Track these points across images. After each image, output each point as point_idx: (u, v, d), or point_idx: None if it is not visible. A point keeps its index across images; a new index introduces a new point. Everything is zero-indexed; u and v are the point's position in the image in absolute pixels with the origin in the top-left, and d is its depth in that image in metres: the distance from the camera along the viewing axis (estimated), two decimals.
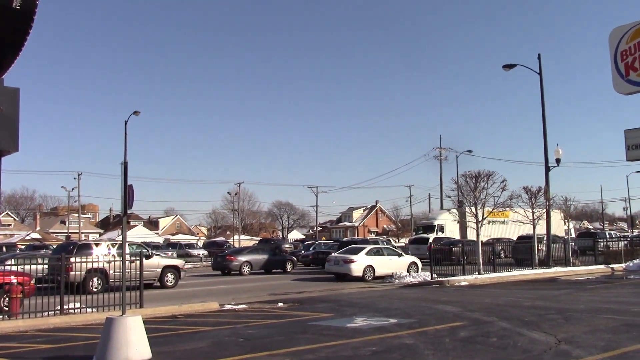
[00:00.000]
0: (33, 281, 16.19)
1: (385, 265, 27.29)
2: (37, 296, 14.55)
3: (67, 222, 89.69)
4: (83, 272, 19.87)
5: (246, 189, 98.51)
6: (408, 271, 26.91)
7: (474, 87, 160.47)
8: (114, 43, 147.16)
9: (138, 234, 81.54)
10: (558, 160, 30.07)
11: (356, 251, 27.88)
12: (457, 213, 39.04)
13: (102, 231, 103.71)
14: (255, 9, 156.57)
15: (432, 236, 45.40)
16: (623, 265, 30.13)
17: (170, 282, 24.44)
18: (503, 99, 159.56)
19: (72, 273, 18.30)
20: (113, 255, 21.75)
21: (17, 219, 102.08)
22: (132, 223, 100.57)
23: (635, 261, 30.43)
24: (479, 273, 24.95)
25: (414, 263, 28.36)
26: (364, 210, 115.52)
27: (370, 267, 26.85)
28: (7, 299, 14.77)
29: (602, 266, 30.29)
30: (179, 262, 25.87)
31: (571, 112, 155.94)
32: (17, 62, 3.91)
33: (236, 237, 79.87)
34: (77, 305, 14.96)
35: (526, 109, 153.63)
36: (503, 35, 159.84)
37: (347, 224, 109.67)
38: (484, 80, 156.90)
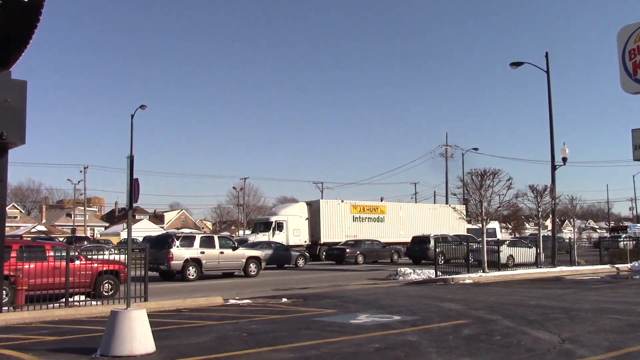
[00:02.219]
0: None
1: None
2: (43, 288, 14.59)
3: (72, 215, 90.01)
4: (181, 262, 24.78)
5: (251, 184, 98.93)
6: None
7: (481, 85, 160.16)
8: (122, 36, 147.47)
9: (143, 227, 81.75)
10: (564, 159, 29.98)
11: None
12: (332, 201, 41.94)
13: (107, 224, 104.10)
14: (263, 5, 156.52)
15: (266, 236, 38.90)
16: (628, 265, 30.03)
17: (253, 272, 27.19)
18: (510, 97, 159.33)
19: (173, 262, 24.62)
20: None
21: (23, 212, 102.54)
22: (137, 217, 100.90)
23: None
24: (484, 271, 24.91)
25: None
26: None
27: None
28: (108, 285, 17.50)
29: (607, 266, 30.21)
30: (260, 253, 28.56)
31: (578, 110, 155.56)
32: (25, 55, 3.92)
33: (241, 232, 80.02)
34: (82, 297, 15.02)
35: (533, 107, 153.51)
36: (510, 33, 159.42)
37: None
38: (490, 78, 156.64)
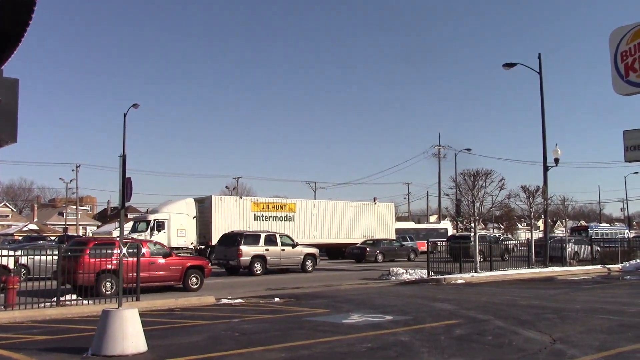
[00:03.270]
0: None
1: None
2: (34, 287, 14.55)
3: (64, 214, 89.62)
4: (249, 258, 27.30)
5: (244, 183, 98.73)
6: None
7: (474, 86, 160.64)
8: (114, 34, 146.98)
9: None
10: (557, 160, 30.10)
11: None
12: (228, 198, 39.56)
13: (99, 223, 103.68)
14: (256, 5, 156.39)
15: (142, 236, 33.26)
16: (619, 265, 30.19)
17: (310, 268, 29.52)
18: (502, 98, 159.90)
19: (242, 258, 27.24)
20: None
21: (15, 210, 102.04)
22: (129, 216, 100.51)
23: (632, 262, 30.50)
24: (476, 271, 24.98)
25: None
26: None
27: None
28: (195, 278, 19.93)
29: (598, 266, 30.36)
30: (315, 251, 30.92)
31: (570, 112, 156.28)
32: (17, 53, 3.90)
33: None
34: (74, 297, 14.97)
35: (525, 108, 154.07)
36: (503, 34, 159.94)
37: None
38: (483, 78, 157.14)
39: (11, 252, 18.04)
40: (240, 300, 16.64)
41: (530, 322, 12.08)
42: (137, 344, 9.04)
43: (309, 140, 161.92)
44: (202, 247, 37.59)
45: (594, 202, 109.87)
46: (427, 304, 15.48)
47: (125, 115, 42.92)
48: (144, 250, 18.44)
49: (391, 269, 26.19)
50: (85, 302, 14.83)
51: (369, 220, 44.27)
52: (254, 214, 39.33)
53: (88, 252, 16.98)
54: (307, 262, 29.66)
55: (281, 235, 30.37)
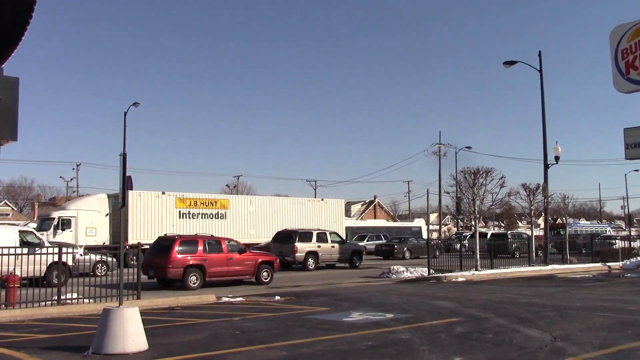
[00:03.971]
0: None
1: None
2: (35, 286, 14.57)
3: None
4: (303, 254, 29.28)
5: (245, 182, 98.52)
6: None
7: (474, 84, 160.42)
8: (114, 34, 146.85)
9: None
10: (557, 158, 30.11)
11: None
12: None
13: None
14: (256, 4, 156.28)
15: (45, 235, 28.62)
16: (620, 263, 30.20)
17: (357, 263, 31.43)
18: (503, 96, 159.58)
19: (297, 254, 29.09)
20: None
21: (15, 209, 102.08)
22: None
23: (632, 260, 30.51)
24: (477, 269, 25.00)
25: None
26: (362, 205, 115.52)
27: None
28: (266, 272, 22.01)
29: (599, 264, 30.37)
30: (361, 247, 33.92)
31: (571, 109, 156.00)
32: (17, 51, 3.91)
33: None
34: (75, 295, 14.98)
35: (526, 106, 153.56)
36: (504, 32, 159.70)
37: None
38: (484, 76, 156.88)
39: (70, 250, 19.38)
40: (241, 299, 16.66)
41: (531, 319, 12.09)
42: (137, 342, 9.05)
43: (310, 138, 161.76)
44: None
45: (594, 200, 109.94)
46: (428, 302, 15.49)
47: (125, 113, 42.94)
48: (223, 246, 21.22)
49: (392, 267, 26.21)
50: (86, 300, 14.84)
51: (315, 218, 41.44)
52: (179, 211, 36.19)
53: (176, 248, 19.76)
54: (354, 258, 31.63)
55: (331, 233, 32.32)
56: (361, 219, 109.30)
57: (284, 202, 41.43)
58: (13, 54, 3.89)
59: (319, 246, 30.43)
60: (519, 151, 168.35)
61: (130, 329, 9.01)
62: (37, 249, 19.74)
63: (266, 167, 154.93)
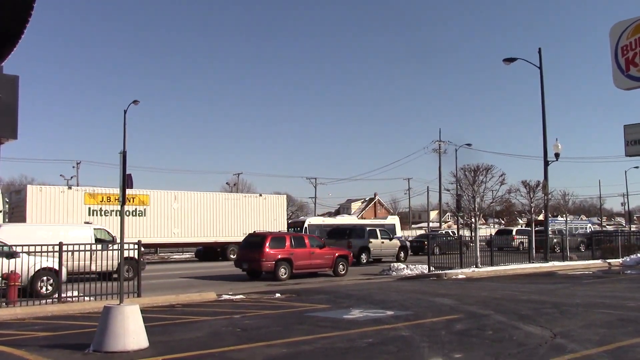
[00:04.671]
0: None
1: None
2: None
3: None
4: (357, 249, 31.17)
5: (245, 179, 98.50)
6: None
7: (475, 81, 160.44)
8: (114, 32, 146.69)
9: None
10: (557, 155, 30.12)
11: None
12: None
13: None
14: (255, 0, 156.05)
15: None
16: (620, 260, 30.19)
17: (403, 258, 33.36)
18: (503, 93, 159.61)
19: (352, 249, 29.94)
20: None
21: None
22: None
23: (632, 256, 30.51)
24: (477, 266, 25.03)
25: None
26: (362, 203, 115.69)
27: None
28: (342, 265, 25.12)
29: (599, 261, 30.36)
30: (407, 243, 36.64)
31: (571, 106, 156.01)
32: (17, 49, 3.91)
33: None
34: (75, 293, 15.01)
35: (526, 103, 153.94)
36: (504, 29, 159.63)
37: (346, 215, 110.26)
38: (484, 74, 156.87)
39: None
40: (241, 296, 16.68)
41: (531, 316, 12.10)
42: (138, 340, 9.06)
43: (311, 136, 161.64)
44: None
45: (594, 197, 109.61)
46: (428, 299, 15.50)
47: (125, 112, 42.94)
48: (306, 241, 24.22)
49: (392, 264, 26.26)
50: (86, 298, 14.87)
51: (253, 216, 39.25)
52: (89, 208, 33.41)
53: (267, 244, 22.51)
54: (400, 253, 33.99)
55: (380, 231, 34.63)
56: (361, 216, 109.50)
57: (216, 199, 38.69)
58: (13, 52, 3.89)
59: (370, 242, 32.95)
60: (519, 148, 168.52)
61: (130, 326, 9.02)
62: (109, 245, 22.06)
63: (266, 165, 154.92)
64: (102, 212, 33.52)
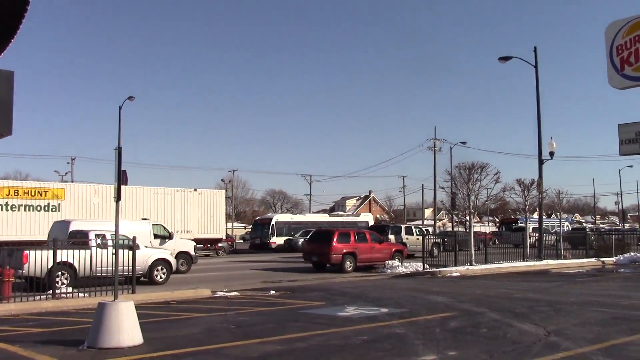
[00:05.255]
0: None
1: None
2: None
3: None
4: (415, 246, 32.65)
5: (240, 176, 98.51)
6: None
7: (470, 79, 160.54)
8: (109, 26, 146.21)
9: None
10: (552, 153, 30.14)
11: None
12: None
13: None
14: None
15: None
16: (614, 258, 30.29)
17: (435, 253, 33.26)
18: (499, 91, 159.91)
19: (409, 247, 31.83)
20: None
21: None
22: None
23: (625, 255, 30.61)
24: (471, 264, 25.08)
25: None
26: (357, 200, 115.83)
27: None
28: (397, 259, 26.92)
29: (593, 259, 30.44)
30: (439, 239, 37.43)
31: (566, 105, 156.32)
32: (12, 44, 3.90)
33: (229, 224, 79.90)
34: (69, 289, 14.97)
35: (521, 101, 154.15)
36: (499, 28, 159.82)
37: (341, 213, 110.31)
38: (480, 72, 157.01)
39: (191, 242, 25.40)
40: (235, 293, 16.68)
41: (525, 314, 12.14)
42: (133, 336, 9.05)
43: (304, 133, 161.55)
44: None
45: (588, 196, 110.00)
46: (423, 297, 15.53)
47: (120, 107, 42.77)
48: (367, 237, 26.54)
49: (387, 262, 26.26)
50: (81, 294, 14.84)
51: (185, 212, 36.74)
52: None
53: (335, 238, 24.96)
54: (433, 249, 34.16)
55: (415, 227, 35.99)
56: (356, 214, 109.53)
57: (145, 193, 35.87)
58: (8, 48, 3.87)
59: (407, 238, 34.98)
60: (515, 147, 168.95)
61: (125, 323, 9.01)
62: (166, 240, 24.96)
63: (262, 162, 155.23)
64: (9, 207, 30.84)
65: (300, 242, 43.81)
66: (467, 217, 27.16)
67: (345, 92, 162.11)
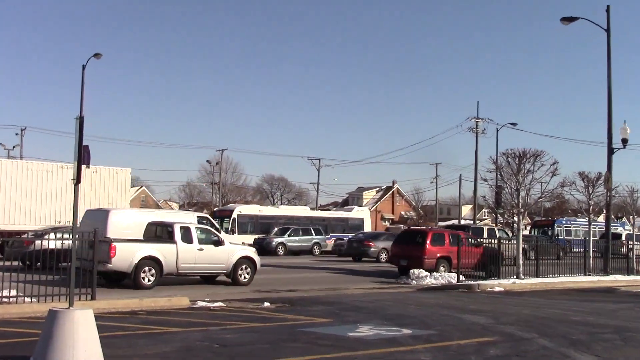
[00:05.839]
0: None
1: None
2: None
3: None
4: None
5: (230, 157, 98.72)
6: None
7: (522, 46, 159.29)
8: None
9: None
10: (625, 141, 29.97)
11: None
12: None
13: None
14: None
15: None
16: None
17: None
18: (558, 62, 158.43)
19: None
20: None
21: None
22: None
23: None
24: (518, 277, 25.04)
25: None
26: (377, 192, 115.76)
27: None
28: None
29: None
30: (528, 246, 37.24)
31: None
32: None
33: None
34: (13, 292, 15.02)
35: (587, 75, 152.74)
36: None
37: (356, 207, 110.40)
38: (535, 36, 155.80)
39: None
40: (220, 304, 16.71)
41: (585, 343, 12.09)
42: (90, 352, 9.06)
43: (313, 107, 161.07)
44: None
45: None
46: (455, 316, 15.52)
47: (84, 67, 42.80)
48: (463, 239, 26.52)
49: (412, 270, 26.25)
50: (27, 299, 14.89)
51: (63, 195, 34.28)
52: None
53: (428, 241, 26.47)
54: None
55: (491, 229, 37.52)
56: (375, 209, 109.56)
57: (13, 168, 34.20)
58: None
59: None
60: (577, 131, 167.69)
61: (81, 335, 9.01)
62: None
63: (258, 140, 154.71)
64: None
65: (274, 243, 43.78)
66: (515, 218, 27.00)
67: (363, 60, 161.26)
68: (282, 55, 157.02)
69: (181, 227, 21.29)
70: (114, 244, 19.60)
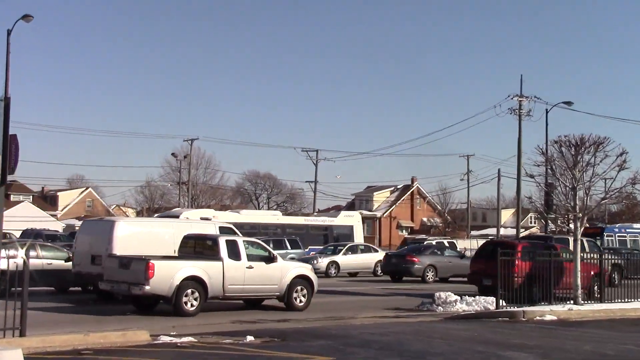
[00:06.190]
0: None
1: None
2: None
3: None
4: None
5: (202, 149, 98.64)
6: None
7: (576, 8, 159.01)
8: None
9: (24, 215, 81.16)
10: None
11: None
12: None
13: None
14: None
15: None
16: None
17: (616, 282, 34.14)
18: (620, 27, 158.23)
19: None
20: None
21: None
22: (13, 197, 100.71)
23: None
24: (575, 302, 24.97)
25: None
26: (391, 192, 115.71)
27: None
28: None
29: None
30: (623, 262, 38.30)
31: None
32: None
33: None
34: None
35: None
36: None
37: (365, 212, 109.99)
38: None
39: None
40: (190, 339, 16.59)
41: None
42: None
43: (308, 87, 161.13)
44: None
45: None
46: (495, 354, 15.47)
47: (9, 33, 42.66)
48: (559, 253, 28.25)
49: (437, 294, 26.19)
50: None
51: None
52: None
53: (520, 256, 27.34)
54: (614, 275, 34.92)
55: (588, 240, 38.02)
56: (389, 214, 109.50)
57: None
58: None
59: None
60: None
61: None
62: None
63: (238, 128, 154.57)
64: None
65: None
66: (571, 225, 26.96)
67: (372, 29, 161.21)
68: (270, 35, 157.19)
69: (227, 241, 22.13)
70: (152, 261, 20.43)
